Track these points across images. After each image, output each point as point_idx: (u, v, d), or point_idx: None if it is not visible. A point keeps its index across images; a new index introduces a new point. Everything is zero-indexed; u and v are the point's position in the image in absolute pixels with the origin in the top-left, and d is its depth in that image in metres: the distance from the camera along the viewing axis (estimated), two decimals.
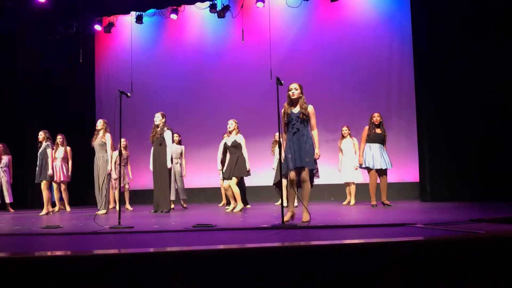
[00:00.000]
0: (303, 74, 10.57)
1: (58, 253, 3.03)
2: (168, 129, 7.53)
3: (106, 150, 7.67)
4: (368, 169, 7.47)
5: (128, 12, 11.68)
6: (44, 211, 7.87)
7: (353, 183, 8.38)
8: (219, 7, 10.95)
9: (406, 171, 9.99)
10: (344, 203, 8.47)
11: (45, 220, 6.44)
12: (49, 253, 2.99)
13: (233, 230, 4.41)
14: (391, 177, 9.97)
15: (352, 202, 8.28)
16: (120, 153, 5.34)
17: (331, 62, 10.82)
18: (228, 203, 7.73)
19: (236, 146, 7.39)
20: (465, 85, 8.30)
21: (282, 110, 4.89)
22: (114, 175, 8.41)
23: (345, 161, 8.39)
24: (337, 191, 9.61)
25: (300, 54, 11.02)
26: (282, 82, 4.64)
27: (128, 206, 9.15)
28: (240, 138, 7.43)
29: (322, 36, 11.03)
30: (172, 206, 8.78)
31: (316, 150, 4.77)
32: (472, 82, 8.25)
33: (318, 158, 4.77)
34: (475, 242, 2.92)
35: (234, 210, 7.25)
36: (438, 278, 2.77)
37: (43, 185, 8.07)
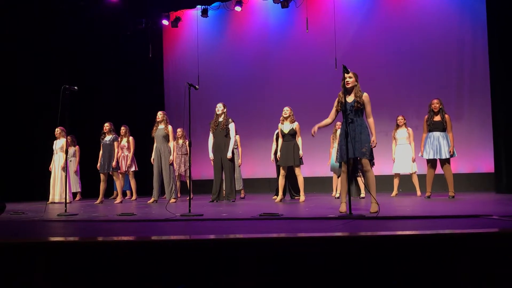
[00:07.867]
0: (368, 62, 10.34)
1: (133, 238, 3.20)
2: (232, 120, 7.69)
3: (168, 141, 7.90)
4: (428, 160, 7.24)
5: (194, 6, 11.94)
6: (99, 200, 8.10)
7: (415, 173, 8.10)
8: None
9: (480, 161, 9.52)
10: (392, 195, 8.11)
11: (119, 208, 6.78)
12: (125, 238, 3.17)
13: (300, 220, 4.43)
14: (464, 167, 9.56)
15: (418, 193, 7.98)
16: (190, 144, 5.49)
17: (398, 49, 10.47)
18: (277, 194, 7.60)
19: (293, 134, 7.38)
20: None
21: (336, 99, 4.87)
22: (181, 167, 8.93)
23: (398, 152, 8.14)
24: (404, 182, 9.30)
25: (366, 42, 10.74)
26: (349, 70, 4.60)
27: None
28: (296, 126, 7.42)
29: (388, 22, 10.70)
30: (243, 195, 8.95)
31: (373, 138, 4.68)
32: None
33: (374, 146, 4.66)
34: None
35: (300, 200, 7.27)
36: None
37: (105, 176, 8.32)
